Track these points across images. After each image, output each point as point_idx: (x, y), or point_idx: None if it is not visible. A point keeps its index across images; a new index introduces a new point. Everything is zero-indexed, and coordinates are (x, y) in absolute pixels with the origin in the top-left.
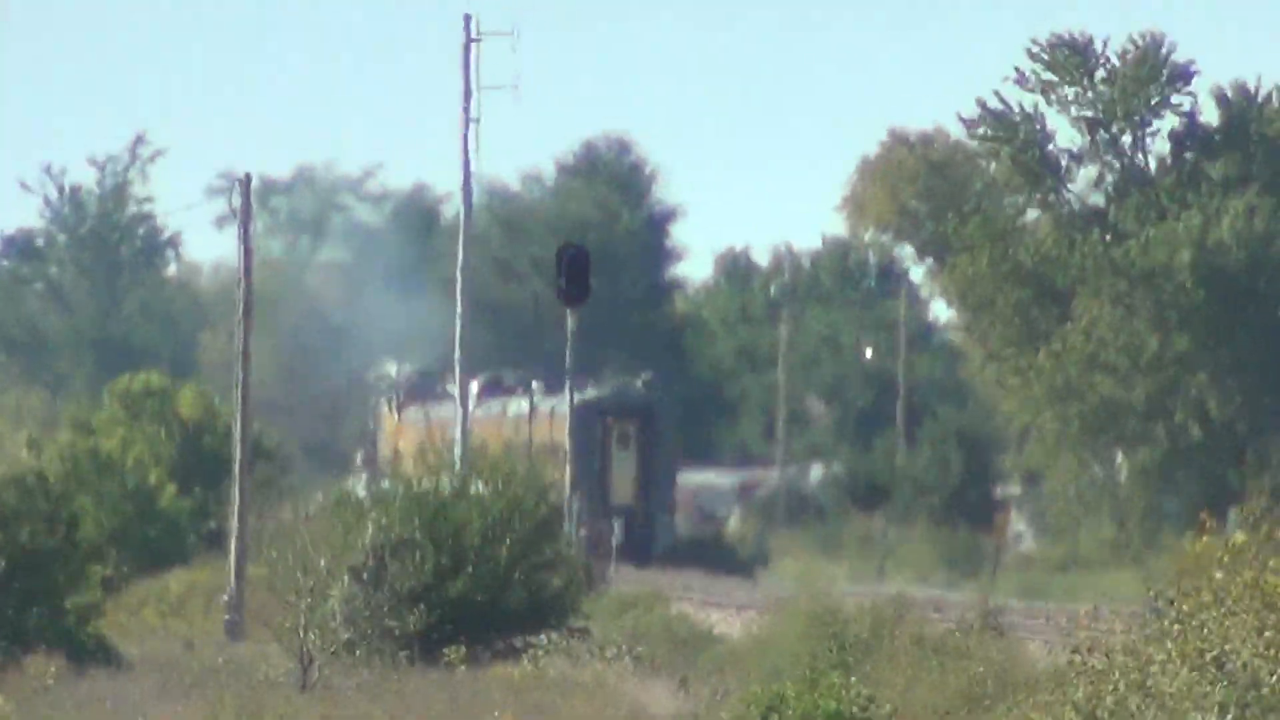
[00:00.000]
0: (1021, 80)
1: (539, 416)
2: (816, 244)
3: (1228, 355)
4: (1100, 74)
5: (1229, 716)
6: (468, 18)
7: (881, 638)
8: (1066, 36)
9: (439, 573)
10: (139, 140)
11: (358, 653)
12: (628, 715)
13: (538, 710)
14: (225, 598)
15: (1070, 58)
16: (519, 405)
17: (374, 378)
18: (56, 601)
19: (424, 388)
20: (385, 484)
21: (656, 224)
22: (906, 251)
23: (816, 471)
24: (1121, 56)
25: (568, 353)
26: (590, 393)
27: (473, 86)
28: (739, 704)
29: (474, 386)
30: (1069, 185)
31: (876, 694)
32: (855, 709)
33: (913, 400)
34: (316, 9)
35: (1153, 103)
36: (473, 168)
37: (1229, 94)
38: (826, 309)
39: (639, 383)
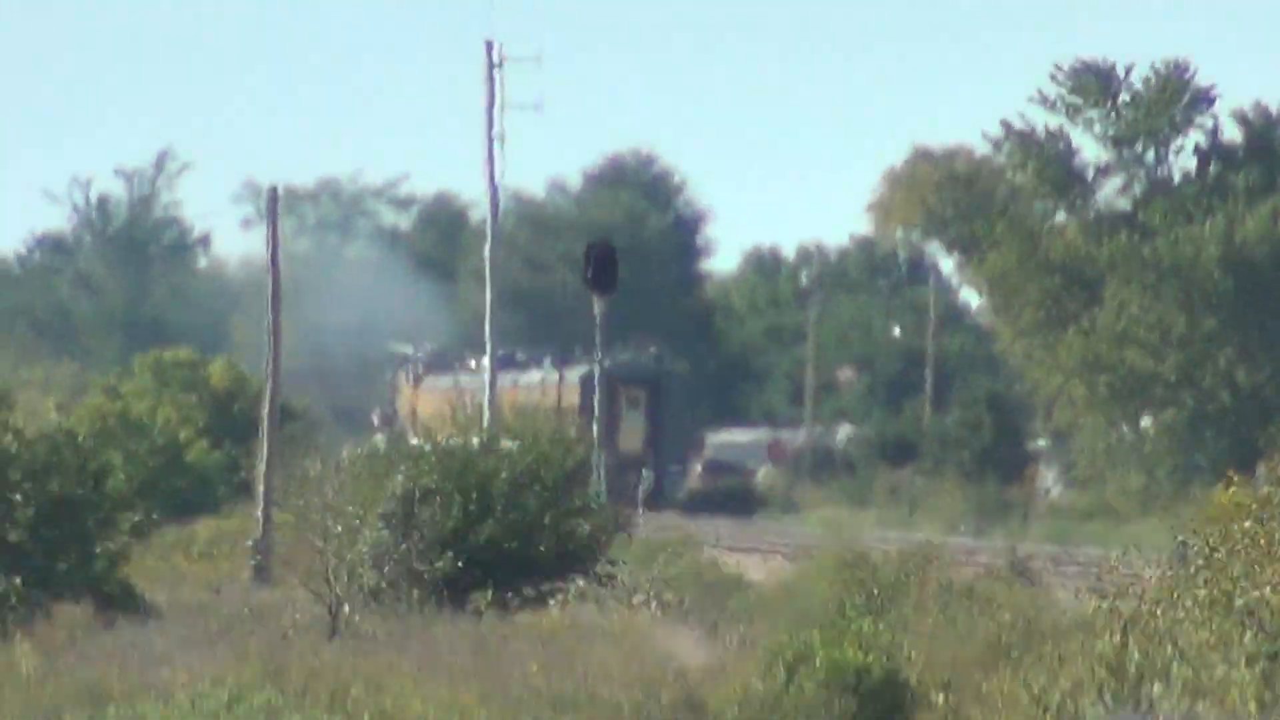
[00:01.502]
0: (1045, 102)
1: (547, 386)
2: (843, 241)
3: (1255, 335)
4: (1124, 98)
5: (1257, 667)
6: (489, 44)
7: (909, 584)
8: (1089, 62)
9: (467, 519)
10: (165, 155)
11: (384, 599)
12: (656, 663)
13: (565, 658)
14: (251, 542)
15: (1093, 82)
16: (529, 377)
17: (393, 355)
18: (86, 547)
19: (441, 363)
20: (414, 441)
21: (684, 227)
22: (934, 246)
23: (845, 430)
24: (1145, 82)
25: (597, 334)
26: (604, 363)
27: (496, 107)
28: (767, 653)
29: (487, 360)
30: (1095, 193)
31: (904, 641)
32: (884, 659)
33: (942, 371)
34: (342, 24)
35: (1176, 122)
36: (498, 181)
37: (1250, 115)
38: (854, 296)
39: (647, 354)
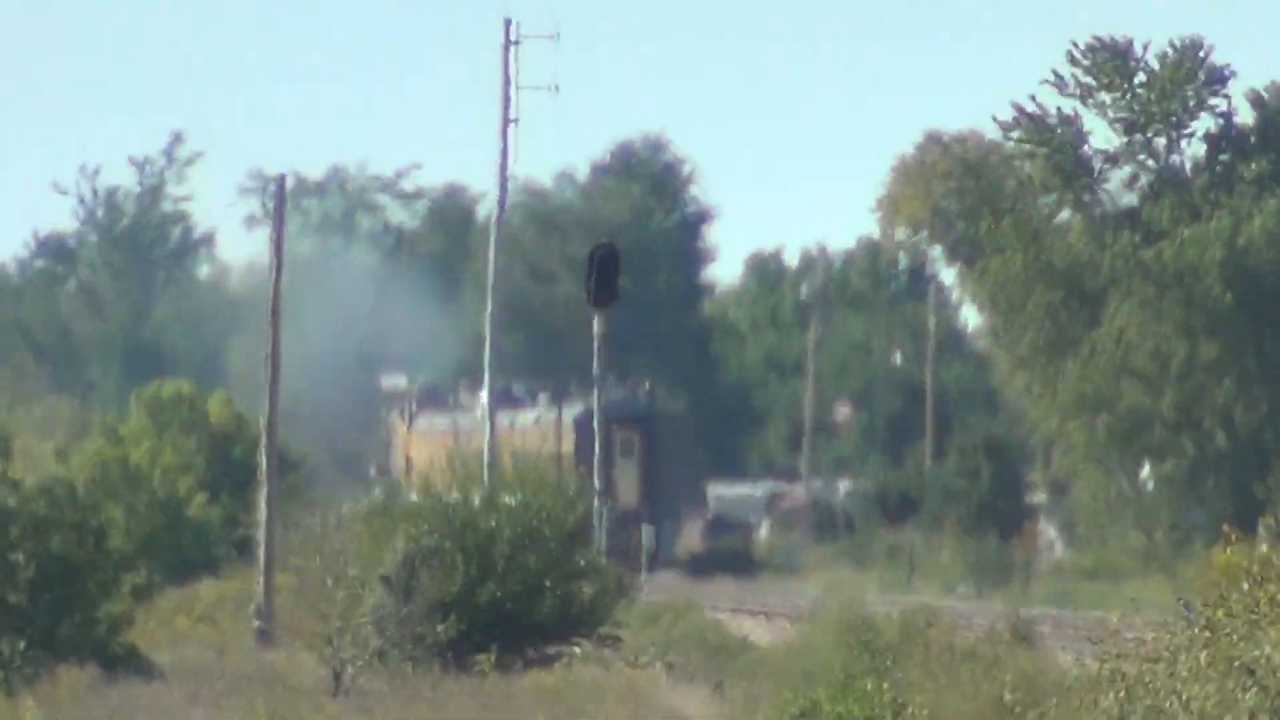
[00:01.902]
0: (1059, 85)
1: (544, 427)
2: (849, 245)
3: (1254, 363)
4: (1139, 77)
5: None
6: (508, 21)
7: (912, 645)
8: (1106, 40)
9: (468, 582)
10: (175, 141)
11: (389, 662)
12: (661, 718)
13: (570, 714)
14: (253, 606)
15: (1109, 61)
16: (525, 417)
17: (387, 391)
18: (88, 611)
19: (434, 400)
20: (413, 496)
21: (690, 224)
22: (937, 252)
23: (845, 485)
24: (1161, 59)
25: (594, 358)
26: (602, 400)
27: (511, 88)
28: (772, 710)
29: (482, 397)
30: (1103, 186)
31: (908, 700)
32: (888, 715)
33: (942, 408)
34: (355, 12)
35: (1190, 105)
36: (510, 169)
37: (1264, 96)
38: (856, 312)
39: (641, 391)
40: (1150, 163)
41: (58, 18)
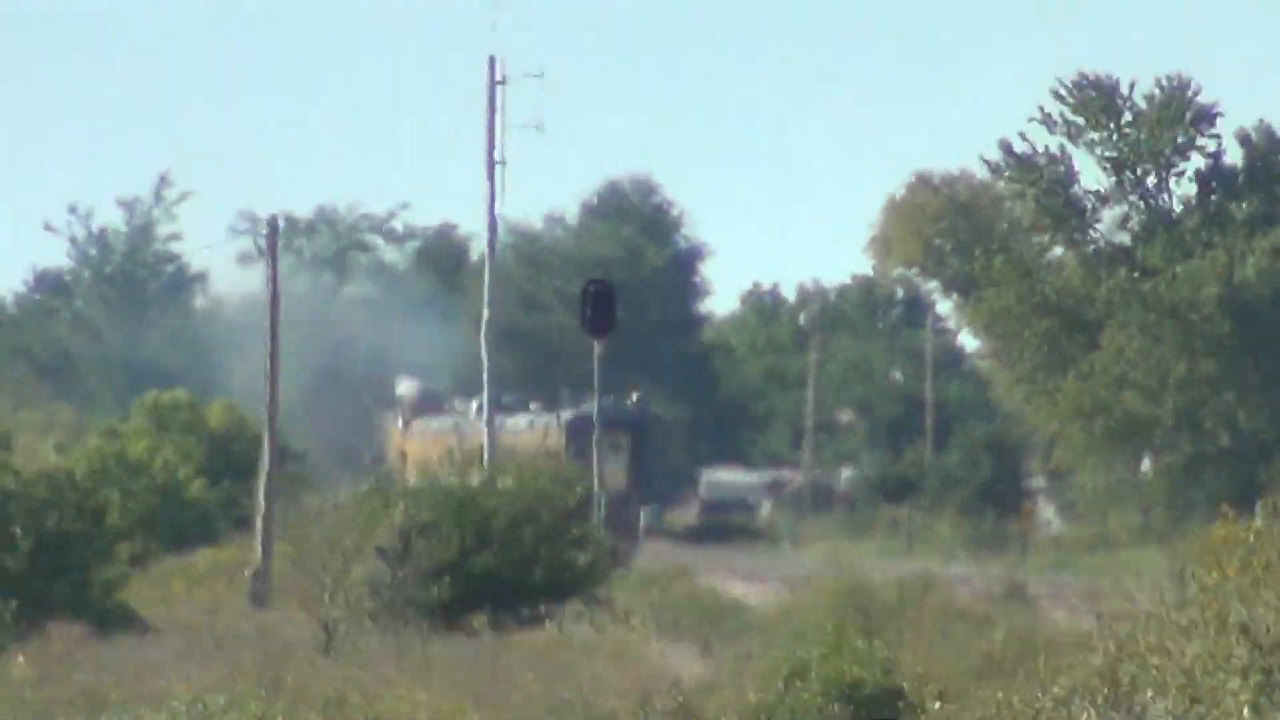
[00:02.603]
0: (1047, 122)
1: (535, 431)
2: (843, 280)
3: (1255, 377)
4: (1126, 117)
5: (1253, 680)
6: (492, 60)
7: (906, 607)
8: (1092, 78)
9: (464, 550)
10: (164, 181)
11: (381, 621)
12: (651, 678)
13: (561, 670)
14: (249, 570)
15: (1096, 99)
16: (516, 421)
17: (384, 397)
18: (82, 574)
19: (429, 404)
20: (412, 481)
21: (683, 262)
22: (933, 285)
23: (846, 472)
24: (1148, 99)
25: (595, 376)
26: (585, 408)
27: (498, 127)
28: (762, 669)
29: (474, 404)
30: (1095, 226)
31: (900, 659)
32: (879, 673)
33: (941, 416)
34: (341, 53)
35: (1178, 142)
36: (498, 208)
37: (1253, 136)
38: (854, 338)
39: (629, 400)
40: (1141, 203)
41: (44, 58)
